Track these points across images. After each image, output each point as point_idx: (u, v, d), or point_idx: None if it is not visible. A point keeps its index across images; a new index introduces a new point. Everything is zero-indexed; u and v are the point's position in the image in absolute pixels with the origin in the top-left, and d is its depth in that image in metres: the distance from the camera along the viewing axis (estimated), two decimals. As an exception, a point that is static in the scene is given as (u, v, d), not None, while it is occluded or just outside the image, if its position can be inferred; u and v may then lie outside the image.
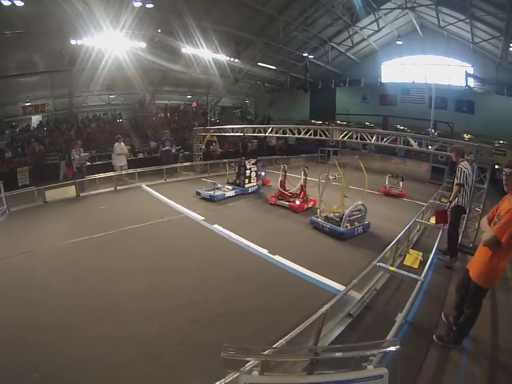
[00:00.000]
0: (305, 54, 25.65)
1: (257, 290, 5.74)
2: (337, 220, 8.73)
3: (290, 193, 11.60)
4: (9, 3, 14.05)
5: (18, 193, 12.40)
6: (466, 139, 20.83)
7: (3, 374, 3.87)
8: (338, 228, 8.40)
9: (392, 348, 1.85)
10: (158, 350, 4.22)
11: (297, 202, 10.96)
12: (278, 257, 6.94)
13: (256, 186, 13.50)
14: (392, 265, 5.91)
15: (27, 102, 22.04)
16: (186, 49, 20.98)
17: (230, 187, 12.76)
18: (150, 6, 16.44)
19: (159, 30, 19.26)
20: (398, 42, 25.00)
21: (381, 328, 4.03)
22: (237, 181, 13.13)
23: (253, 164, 13.22)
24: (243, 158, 13.39)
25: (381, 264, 5.05)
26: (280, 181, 12.03)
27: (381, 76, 28.03)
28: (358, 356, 1.89)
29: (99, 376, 3.82)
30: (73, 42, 17.53)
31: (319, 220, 9.01)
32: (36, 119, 23.18)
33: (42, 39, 17.00)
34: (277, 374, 1.77)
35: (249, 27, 21.55)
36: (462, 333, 4.26)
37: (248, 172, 13.03)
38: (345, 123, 27.78)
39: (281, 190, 11.79)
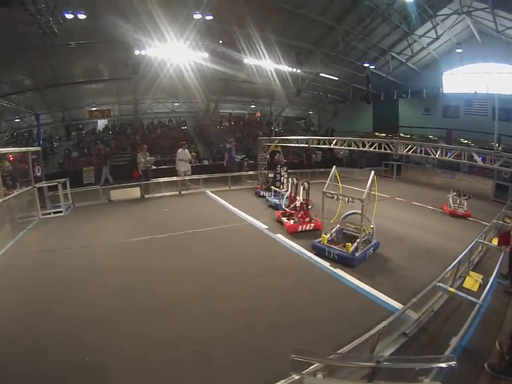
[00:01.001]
0: (366, 65, 25.32)
1: (316, 301, 5.82)
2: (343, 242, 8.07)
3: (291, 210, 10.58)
4: (72, 16, 15.02)
5: (84, 191, 13.54)
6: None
7: (50, 365, 4.17)
8: (347, 252, 7.56)
9: (449, 364, 1.95)
10: (209, 350, 4.38)
11: (291, 221, 9.86)
12: (339, 271, 7.04)
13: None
14: (451, 287, 5.85)
15: (93, 106, 23.50)
16: (248, 60, 21.37)
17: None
18: (209, 18, 16.96)
19: (221, 41, 19.79)
20: (458, 50, 23.86)
21: (434, 350, 4.04)
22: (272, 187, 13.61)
23: (285, 172, 13.81)
24: (279, 166, 13.95)
25: (440, 284, 5.01)
26: (287, 197, 11.16)
27: (443, 86, 26.90)
28: (417, 369, 1.93)
29: (148, 372, 4.04)
30: (136, 52, 18.36)
31: (323, 245, 8.04)
32: (101, 123, 24.78)
33: (106, 49, 18.17)
34: (340, 379, 1.81)
35: (308, 37, 21.66)
36: None
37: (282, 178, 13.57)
38: (408, 136, 26.89)
39: (283, 207, 10.91)
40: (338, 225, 8.64)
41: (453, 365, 1.91)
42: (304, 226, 9.81)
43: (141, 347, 4.46)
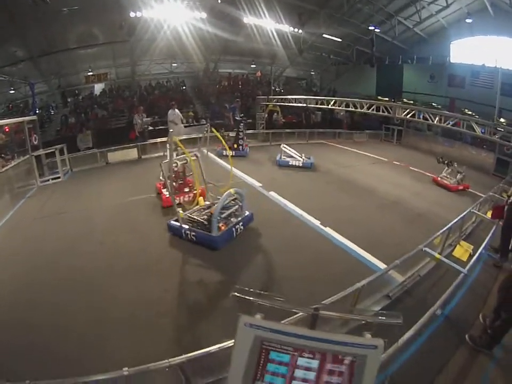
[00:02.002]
0: (371, 28, 24.79)
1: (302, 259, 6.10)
2: (205, 222, 6.70)
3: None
4: None
5: (82, 156, 13.75)
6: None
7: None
8: (208, 233, 6.53)
9: (395, 321, 1.85)
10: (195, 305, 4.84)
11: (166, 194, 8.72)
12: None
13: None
14: (440, 253, 5.92)
15: (89, 71, 23.12)
16: (248, 19, 20.87)
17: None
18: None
19: (219, 0, 19.28)
20: (468, 21, 22.91)
21: (416, 314, 4.09)
22: (235, 145, 14.11)
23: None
24: (241, 123, 14.25)
25: (427, 249, 5.08)
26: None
27: (450, 55, 26.19)
28: (363, 322, 1.95)
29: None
30: (132, 14, 17.99)
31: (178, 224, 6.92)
32: (98, 87, 24.34)
33: (101, 13, 17.71)
34: (278, 322, 1.79)
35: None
36: (495, 338, 4.14)
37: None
38: (411, 102, 26.42)
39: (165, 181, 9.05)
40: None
41: (399, 323, 1.81)
42: (181, 197, 8.59)
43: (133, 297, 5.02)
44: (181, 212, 6.83)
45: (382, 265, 5.72)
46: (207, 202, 7.54)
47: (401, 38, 26.78)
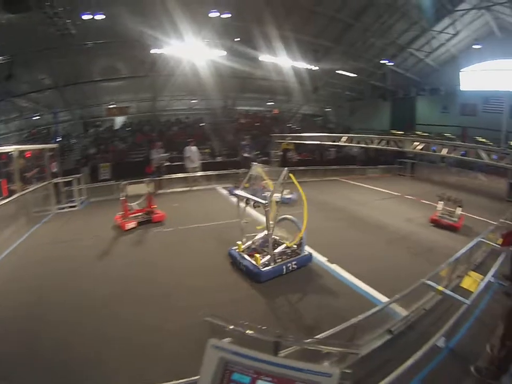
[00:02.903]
0: (384, 61, 25.06)
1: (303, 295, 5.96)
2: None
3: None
4: (90, 17, 15.28)
5: (99, 186, 14.04)
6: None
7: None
8: (254, 265, 6.55)
9: (353, 351, 1.94)
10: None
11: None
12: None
13: None
14: (446, 286, 5.73)
15: (111, 104, 23.71)
16: (265, 57, 21.39)
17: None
18: (226, 16, 17.03)
19: (238, 39, 19.83)
20: (475, 47, 23.02)
21: (418, 348, 3.96)
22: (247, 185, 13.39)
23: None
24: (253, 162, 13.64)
25: (428, 282, 4.91)
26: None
27: (460, 83, 26.12)
28: (323, 352, 1.99)
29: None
30: (153, 51, 18.64)
31: (236, 252, 7.16)
32: (119, 120, 25.01)
33: (124, 48, 18.38)
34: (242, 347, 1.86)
35: (326, 35, 21.48)
36: (501, 368, 3.91)
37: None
38: (426, 134, 26.30)
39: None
40: (265, 232, 7.24)
41: (357, 353, 2.00)
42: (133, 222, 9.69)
43: (129, 328, 4.89)
44: (239, 243, 7.11)
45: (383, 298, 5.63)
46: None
47: (413, 70, 27.05)
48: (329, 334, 3.70)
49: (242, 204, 7.20)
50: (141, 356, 4.32)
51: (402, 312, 5.10)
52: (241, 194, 7.28)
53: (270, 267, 6.48)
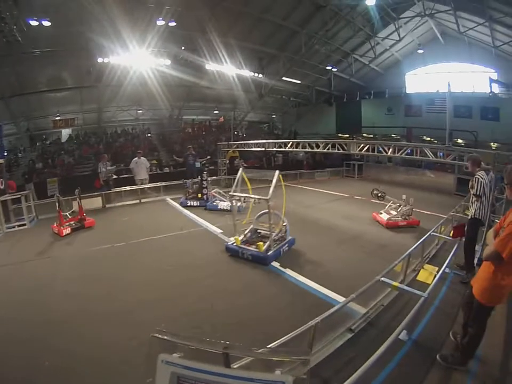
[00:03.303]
0: (328, 67, 25.58)
1: (261, 302, 5.73)
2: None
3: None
4: (37, 23, 14.76)
5: (47, 203, 13.09)
6: (493, 148, 19.75)
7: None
8: (260, 252, 7.49)
9: (302, 357, 1.87)
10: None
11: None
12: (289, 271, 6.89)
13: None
14: (403, 281, 5.74)
15: (57, 116, 22.93)
16: (211, 66, 21.38)
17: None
18: (172, 24, 16.97)
19: (183, 47, 19.78)
20: (419, 51, 24.60)
21: (381, 344, 3.85)
22: (199, 195, 13.38)
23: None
24: (204, 172, 13.53)
25: (384, 279, 4.89)
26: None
27: (406, 86, 27.57)
28: (274, 360, 1.96)
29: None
30: (99, 60, 18.23)
31: (236, 246, 7.93)
32: (65, 133, 24.27)
33: (70, 57, 17.88)
34: (193, 360, 1.91)
35: (272, 42, 21.84)
36: (467, 353, 3.95)
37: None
38: (371, 136, 27.42)
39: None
40: (251, 226, 8.56)
41: (307, 359, 1.85)
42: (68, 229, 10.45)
43: (94, 348, 4.55)
44: (236, 237, 8.01)
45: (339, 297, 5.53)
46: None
47: (358, 75, 27.92)
48: (289, 337, 3.56)
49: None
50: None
51: (361, 310, 5.03)
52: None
53: (272, 251, 7.50)
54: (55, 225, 10.59)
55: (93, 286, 6.57)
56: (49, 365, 4.24)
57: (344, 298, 5.13)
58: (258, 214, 8.43)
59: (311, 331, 3.62)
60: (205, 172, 13.43)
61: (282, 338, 3.54)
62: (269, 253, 7.40)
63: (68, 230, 10.39)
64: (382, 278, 4.88)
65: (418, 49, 24.57)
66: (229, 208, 11.64)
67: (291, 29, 20.95)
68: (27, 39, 14.84)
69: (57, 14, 14.79)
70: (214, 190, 13.14)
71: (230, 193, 8.51)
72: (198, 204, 13.12)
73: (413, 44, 25.15)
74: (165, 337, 2.00)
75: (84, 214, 11.24)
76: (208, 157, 18.44)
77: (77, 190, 11.64)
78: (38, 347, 4.58)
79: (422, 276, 6.42)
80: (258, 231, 8.55)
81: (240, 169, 8.70)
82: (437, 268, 6.62)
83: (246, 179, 8.66)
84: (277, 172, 7.85)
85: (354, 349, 4.25)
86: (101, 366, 4.18)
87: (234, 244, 7.96)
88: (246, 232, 8.42)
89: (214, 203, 12.60)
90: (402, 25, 22.48)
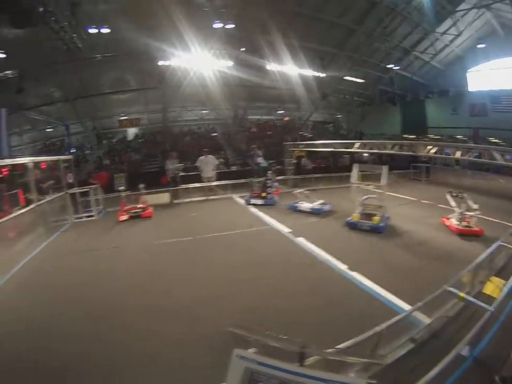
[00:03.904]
0: (390, 66, 24.91)
1: (324, 302, 5.71)
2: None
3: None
4: (96, 31, 15.65)
5: (115, 196, 13.85)
6: None
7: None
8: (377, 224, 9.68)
9: (376, 361, 2.06)
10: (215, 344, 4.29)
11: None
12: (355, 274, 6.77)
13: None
14: (469, 292, 5.53)
15: (123, 116, 24.16)
16: (272, 66, 21.48)
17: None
18: (230, 26, 17.26)
19: (243, 49, 20.03)
20: (479, 46, 22.98)
21: (443, 357, 3.80)
22: (263, 194, 13.46)
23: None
24: (269, 172, 13.94)
25: (451, 289, 4.72)
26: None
27: (468, 84, 25.68)
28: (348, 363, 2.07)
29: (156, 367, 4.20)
30: (161, 63, 18.95)
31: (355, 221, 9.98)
32: (131, 131, 25.41)
33: (131, 60, 18.75)
34: (267, 357, 1.91)
35: (330, 41, 21.71)
36: None
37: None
38: (438, 137, 25.85)
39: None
40: (361, 208, 10.32)
41: (381, 363, 2.21)
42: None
43: (151, 343, 4.66)
44: (354, 215, 10.08)
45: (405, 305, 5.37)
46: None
47: (420, 73, 26.81)
48: (354, 342, 3.56)
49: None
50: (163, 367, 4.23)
51: (424, 319, 4.90)
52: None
53: (382, 224, 9.79)
54: (120, 212, 12.04)
55: (157, 279, 6.82)
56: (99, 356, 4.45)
57: (407, 305, 5.13)
58: (364, 198, 10.31)
59: (376, 337, 3.62)
60: (270, 172, 13.71)
61: (347, 342, 3.55)
62: (381, 225, 9.66)
63: (125, 217, 11.80)
64: (450, 288, 4.75)
65: (479, 43, 22.96)
66: (309, 210, 11.97)
67: (347, 27, 20.76)
68: (88, 46, 15.69)
69: (116, 21, 15.56)
70: (298, 191, 12.98)
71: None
72: (263, 203, 13.21)
73: (473, 39, 23.53)
74: (241, 332, 2.06)
75: (145, 205, 12.41)
76: (271, 161, 18.69)
77: (140, 185, 12.74)
78: (89, 338, 4.81)
79: (488, 289, 6.03)
80: (365, 212, 10.28)
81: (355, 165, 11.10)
82: (504, 281, 6.17)
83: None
84: (385, 167, 10.49)
85: (415, 360, 4.14)
86: (155, 361, 4.31)
87: (353, 220, 9.99)
88: (357, 212, 10.19)
89: (295, 204, 12.51)
90: (459, 18, 21.22)
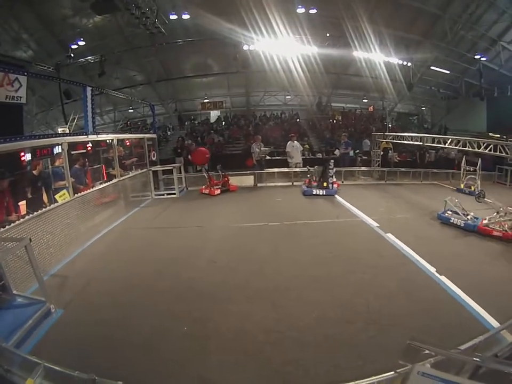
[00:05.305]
0: (477, 56, 23.25)
1: (414, 305, 5.38)
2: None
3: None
4: (176, 17, 16.28)
5: (197, 176, 14.41)
6: None
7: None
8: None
9: None
10: (303, 338, 4.34)
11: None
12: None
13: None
14: None
15: (205, 98, 24.83)
16: (358, 53, 20.97)
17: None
18: (313, 11, 17.22)
19: (328, 34, 19.75)
20: None
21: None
22: (325, 184, 12.84)
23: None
24: (331, 160, 13.23)
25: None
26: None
27: None
28: None
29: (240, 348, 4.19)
30: (245, 47, 19.16)
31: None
32: (214, 114, 25.98)
33: (215, 45, 19.23)
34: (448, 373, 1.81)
35: (415, 28, 20.66)
36: None
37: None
38: None
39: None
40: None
41: None
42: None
43: (238, 324, 4.63)
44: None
45: (493, 321, 4.86)
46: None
47: (508, 66, 24.69)
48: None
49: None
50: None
51: (508, 337, 4.35)
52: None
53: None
54: (203, 187, 12.99)
55: (243, 260, 6.77)
56: (187, 331, 4.45)
57: (494, 320, 4.84)
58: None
59: (470, 351, 3.38)
60: (332, 161, 13.20)
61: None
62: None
63: (218, 191, 12.65)
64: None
65: None
66: (463, 225, 9.22)
67: (433, 13, 19.54)
68: (170, 31, 16.20)
69: (196, 7, 15.98)
70: (449, 198, 10.07)
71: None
72: (324, 193, 12.65)
73: None
74: (422, 346, 1.96)
75: (227, 180, 13.29)
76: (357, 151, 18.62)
77: (218, 165, 13.52)
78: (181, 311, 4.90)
79: None
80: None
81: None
82: None
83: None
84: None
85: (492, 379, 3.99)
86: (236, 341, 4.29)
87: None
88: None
89: (446, 214, 9.83)
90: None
